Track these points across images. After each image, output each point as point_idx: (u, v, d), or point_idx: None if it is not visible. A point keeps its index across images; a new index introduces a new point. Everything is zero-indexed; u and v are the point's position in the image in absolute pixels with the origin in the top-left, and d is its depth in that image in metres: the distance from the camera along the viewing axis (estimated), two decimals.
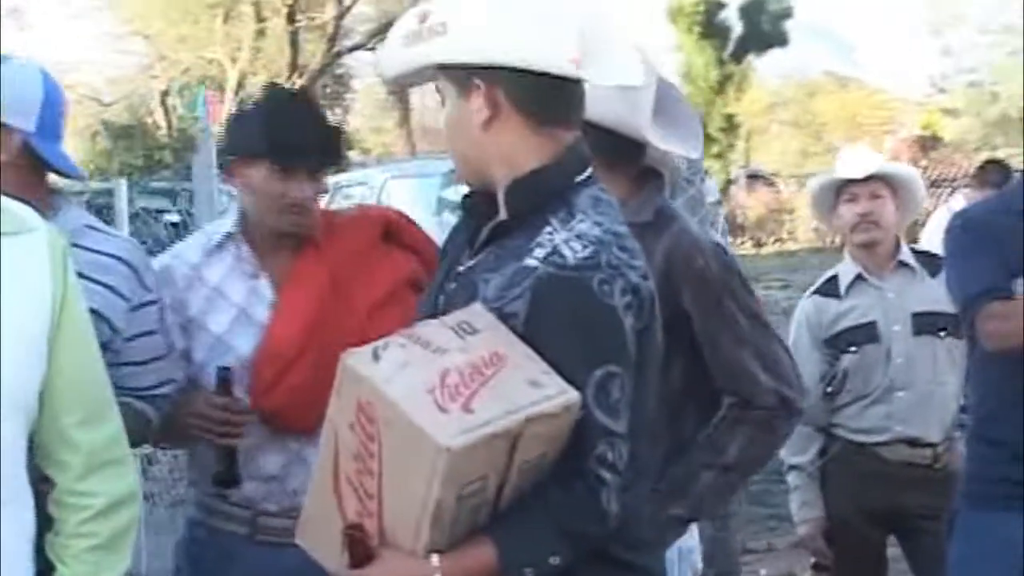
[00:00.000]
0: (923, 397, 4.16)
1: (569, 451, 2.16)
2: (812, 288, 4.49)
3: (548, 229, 2.22)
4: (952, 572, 3.52)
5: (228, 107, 21.63)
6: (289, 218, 3.02)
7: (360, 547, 2.12)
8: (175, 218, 11.45)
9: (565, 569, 2.18)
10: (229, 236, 3.13)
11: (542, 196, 2.28)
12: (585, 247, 2.18)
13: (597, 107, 2.46)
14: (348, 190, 15.27)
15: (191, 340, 3.11)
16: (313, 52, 28.83)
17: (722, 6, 28.56)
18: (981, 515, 3.36)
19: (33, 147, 2.77)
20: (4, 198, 2.28)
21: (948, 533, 3.54)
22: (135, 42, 28.11)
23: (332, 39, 29.02)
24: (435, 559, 2.09)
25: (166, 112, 29.98)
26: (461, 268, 2.37)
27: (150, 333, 2.92)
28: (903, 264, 4.30)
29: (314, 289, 3.06)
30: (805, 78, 34.93)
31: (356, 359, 2.10)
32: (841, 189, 4.31)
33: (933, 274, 4.14)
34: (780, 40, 29.12)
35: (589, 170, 2.33)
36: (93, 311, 2.52)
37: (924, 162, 22.19)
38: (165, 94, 29.86)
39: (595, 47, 2.28)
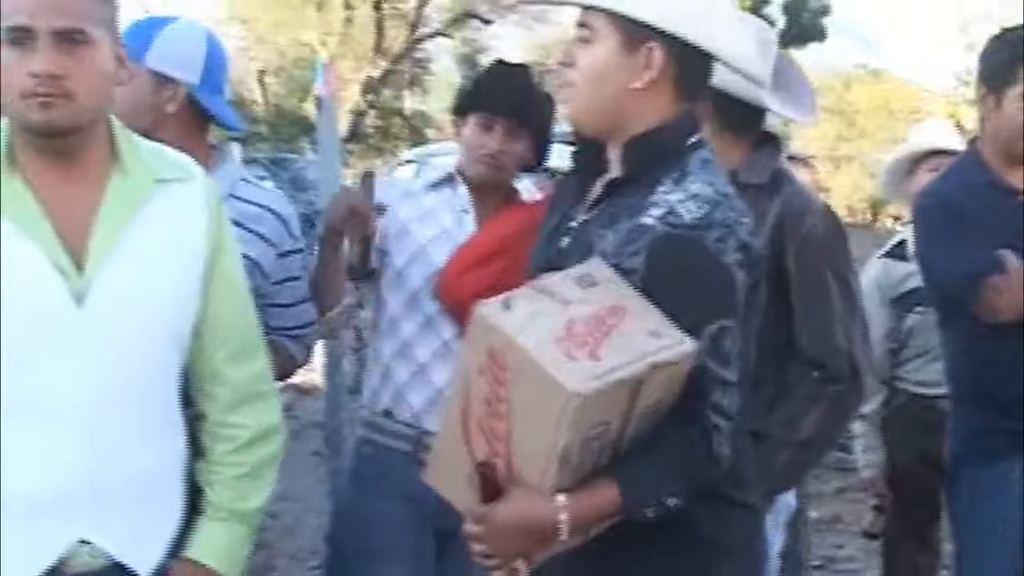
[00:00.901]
0: None
1: (685, 398, 2.09)
2: (882, 251, 4.39)
3: (662, 188, 2.13)
4: (961, 523, 3.37)
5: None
6: (483, 168, 3.01)
7: (490, 484, 2.05)
8: (271, 184, 11.39)
9: (683, 507, 2.13)
10: (449, 176, 3.14)
11: (657, 156, 2.18)
12: (700, 207, 2.09)
13: (723, 76, 2.35)
14: (436, 159, 14.98)
15: (396, 244, 3.07)
16: (396, 37, 28.78)
17: (767, 3, 28.04)
18: (979, 465, 3.25)
19: (197, 99, 2.73)
20: (165, 147, 2.25)
21: (949, 488, 3.43)
22: (234, 26, 28.23)
23: (413, 26, 29.00)
24: (561, 497, 2.02)
25: (263, 90, 30.08)
26: (574, 223, 2.28)
27: (296, 278, 2.88)
28: None
29: (512, 224, 3.02)
30: (840, 70, 34.22)
31: (488, 309, 2.03)
32: (920, 160, 4.18)
33: None
34: (819, 35, 28.84)
35: (700, 133, 2.24)
36: (246, 257, 2.50)
37: None
38: (262, 73, 29.89)
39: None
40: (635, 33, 2.12)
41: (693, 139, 2.21)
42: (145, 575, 2.15)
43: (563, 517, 2.01)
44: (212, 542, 2.23)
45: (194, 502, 2.27)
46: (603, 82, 2.15)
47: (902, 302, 4.19)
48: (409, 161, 11.26)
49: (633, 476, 2.07)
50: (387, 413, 3.09)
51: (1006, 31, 3.27)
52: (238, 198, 2.75)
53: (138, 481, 2.13)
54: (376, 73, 28.20)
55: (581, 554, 2.11)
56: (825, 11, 28.71)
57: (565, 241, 2.27)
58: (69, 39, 2.01)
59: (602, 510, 2.07)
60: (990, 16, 31.48)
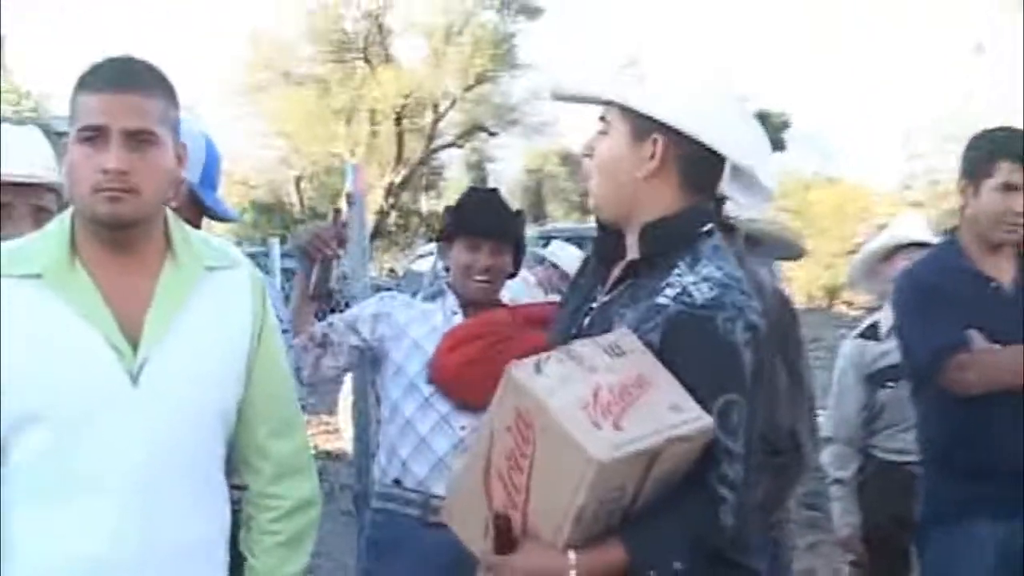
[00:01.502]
0: None
1: (696, 468, 1.99)
2: (855, 332, 4.31)
3: (677, 271, 2.06)
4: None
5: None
6: (476, 285, 3.08)
7: (505, 535, 1.96)
8: None
9: (687, 570, 2.01)
10: (442, 290, 3.20)
11: (672, 242, 2.09)
12: (711, 289, 2.02)
13: None
14: None
15: (394, 343, 3.09)
16: (414, 149, 28.80)
17: None
18: (949, 526, 3.16)
19: (196, 194, 2.75)
20: (211, 237, 2.18)
21: (919, 547, 3.32)
22: (276, 139, 28.40)
23: (430, 137, 29.04)
24: (572, 555, 1.93)
25: (299, 193, 30.11)
26: (594, 304, 2.18)
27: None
28: None
29: (494, 315, 3.06)
30: (800, 176, 33.96)
31: (520, 371, 1.93)
32: (896, 251, 4.10)
33: None
34: (779, 146, 28.66)
35: (711, 224, 2.15)
36: None
37: None
38: (299, 179, 29.95)
39: None
40: (642, 126, 2.07)
41: (704, 228, 2.13)
42: None
43: (572, 573, 1.93)
44: None
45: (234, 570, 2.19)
46: (615, 170, 2.11)
47: (875, 378, 4.09)
48: (427, 254, 11.20)
49: (641, 540, 1.98)
50: (396, 482, 3.07)
51: (987, 131, 3.21)
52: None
53: (185, 550, 2.03)
54: (397, 179, 28.12)
55: None
56: (786, 124, 28.86)
57: (586, 321, 2.18)
58: (138, 139, 1.94)
59: (609, 569, 1.97)
60: (931, 128, 31.83)
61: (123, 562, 1.96)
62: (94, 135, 1.95)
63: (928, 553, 3.29)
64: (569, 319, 2.25)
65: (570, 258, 5.92)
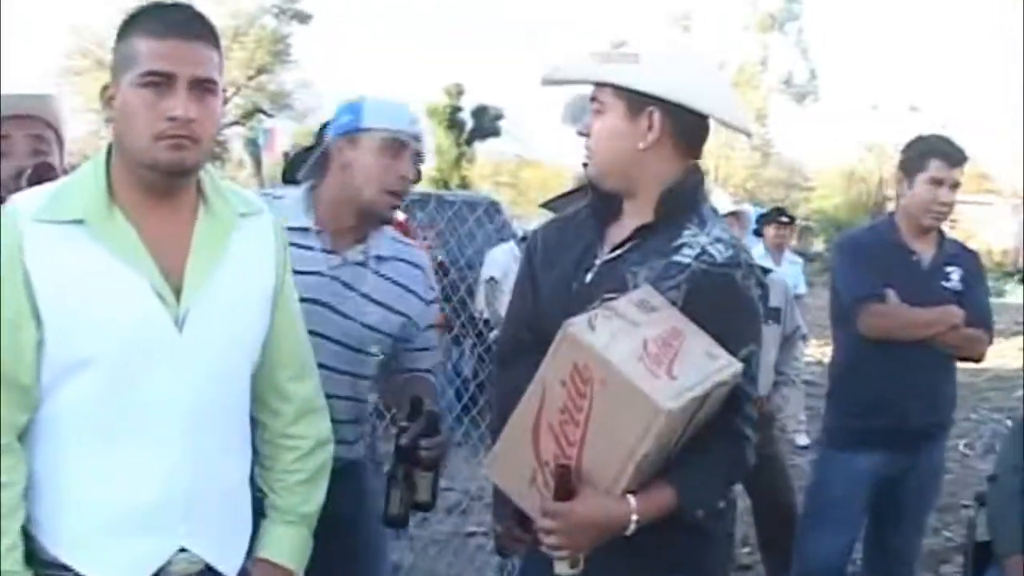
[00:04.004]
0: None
1: (723, 412, 1.90)
2: None
3: (688, 232, 1.97)
4: (805, 496, 3.59)
5: None
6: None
7: (566, 483, 1.83)
8: None
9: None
10: None
11: (683, 204, 1.99)
12: (727, 248, 1.94)
13: None
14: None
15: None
16: None
17: (460, 109, 31.46)
18: (835, 452, 3.43)
19: None
20: (236, 185, 1.94)
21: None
22: (89, 114, 28.42)
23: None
24: (631, 499, 1.83)
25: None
26: (598, 260, 2.04)
27: (432, 326, 2.59)
28: None
29: None
30: (511, 157, 38.11)
31: (577, 328, 1.80)
32: None
33: None
34: (496, 133, 32.45)
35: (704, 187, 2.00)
36: (402, 314, 2.35)
37: None
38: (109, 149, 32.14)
39: None
40: (636, 102, 1.97)
41: (702, 192, 2.03)
42: None
43: (634, 517, 1.84)
44: (284, 543, 1.98)
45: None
46: (616, 145, 2.01)
47: None
48: None
49: (688, 482, 1.90)
50: None
51: (921, 136, 3.55)
52: (399, 259, 2.49)
53: (226, 491, 1.86)
54: None
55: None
56: (500, 116, 32.11)
57: (588, 276, 2.05)
58: (202, 87, 1.73)
59: (661, 511, 1.87)
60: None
61: (173, 506, 1.77)
62: (159, 81, 1.71)
63: (812, 472, 3.63)
64: (572, 273, 2.09)
65: None
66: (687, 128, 2.01)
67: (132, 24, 1.75)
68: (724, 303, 1.93)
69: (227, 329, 1.83)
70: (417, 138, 2.40)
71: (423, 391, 2.37)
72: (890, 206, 6.72)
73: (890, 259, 3.36)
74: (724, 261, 1.95)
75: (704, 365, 1.83)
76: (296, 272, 2.03)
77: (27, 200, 1.76)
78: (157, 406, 1.76)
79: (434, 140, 29.96)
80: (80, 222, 1.74)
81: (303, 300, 2.04)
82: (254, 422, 1.97)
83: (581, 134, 2.07)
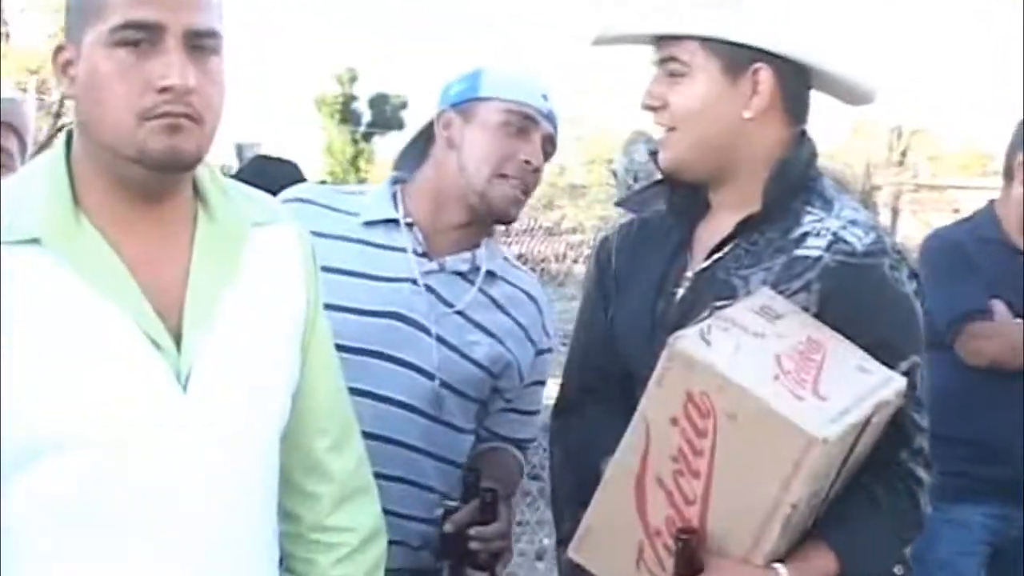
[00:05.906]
0: None
1: (884, 445, 1.50)
2: None
3: (810, 218, 1.57)
4: (917, 559, 2.86)
5: None
6: None
7: (690, 556, 1.42)
8: None
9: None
10: None
11: (797, 184, 1.60)
12: (867, 232, 1.56)
13: None
14: None
15: None
16: (40, 128, 28.40)
17: (354, 98, 28.79)
18: (941, 504, 2.75)
19: None
20: (253, 189, 1.42)
21: None
22: None
23: (57, 116, 28.81)
24: (780, 569, 1.42)
25: None
26: (689, 272, 1.64)
27: (541, 383, 2.05)
28: None
29: None
30: None
31: (688, 342, 1.39)
32: None
33: None
34: (399, 125, 28.94)
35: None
36: (508, 350, 1.81)
37: None
38: None
39: None
40: (738, 58, 1.57)
41: (815, 163, 1.64)
42: None
43: None
44: None
45: None
46: (711, 116, 1.60)
47: None
48: None
49: (854, 545, 1.51)
50: None
51: None
52: (504, 279, 1.99)
53: None
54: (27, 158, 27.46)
55: None
56: (404, 106, 29.38)
57: (680, 292, 1.65)
58: (201, 44, 1.22)
59: None
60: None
61: None
62: (140, 37, 1.21)
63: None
64: (652, 291, 1.69)
65: None
66: (795, 90, 1.61)
67: None
68: (872, 304, 1.54)
69: (248, 383, 1.30)
70: (550, 118, 1.91)
71: (497, 467, 1.87)
72: (879, 195, 5.51)
73: (992, 261, 2.81)
74: (866, 249, 1.56)
75: (858, 381, 1.43)
76: (372, 278, 1.67)
77: None
78: (151, 505, 1.24)
79: (324, 137, 27.93)
80: (35, 241, 1.22)
81: (379, 315, 1.67)
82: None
83: (649, 107, 1.63)
